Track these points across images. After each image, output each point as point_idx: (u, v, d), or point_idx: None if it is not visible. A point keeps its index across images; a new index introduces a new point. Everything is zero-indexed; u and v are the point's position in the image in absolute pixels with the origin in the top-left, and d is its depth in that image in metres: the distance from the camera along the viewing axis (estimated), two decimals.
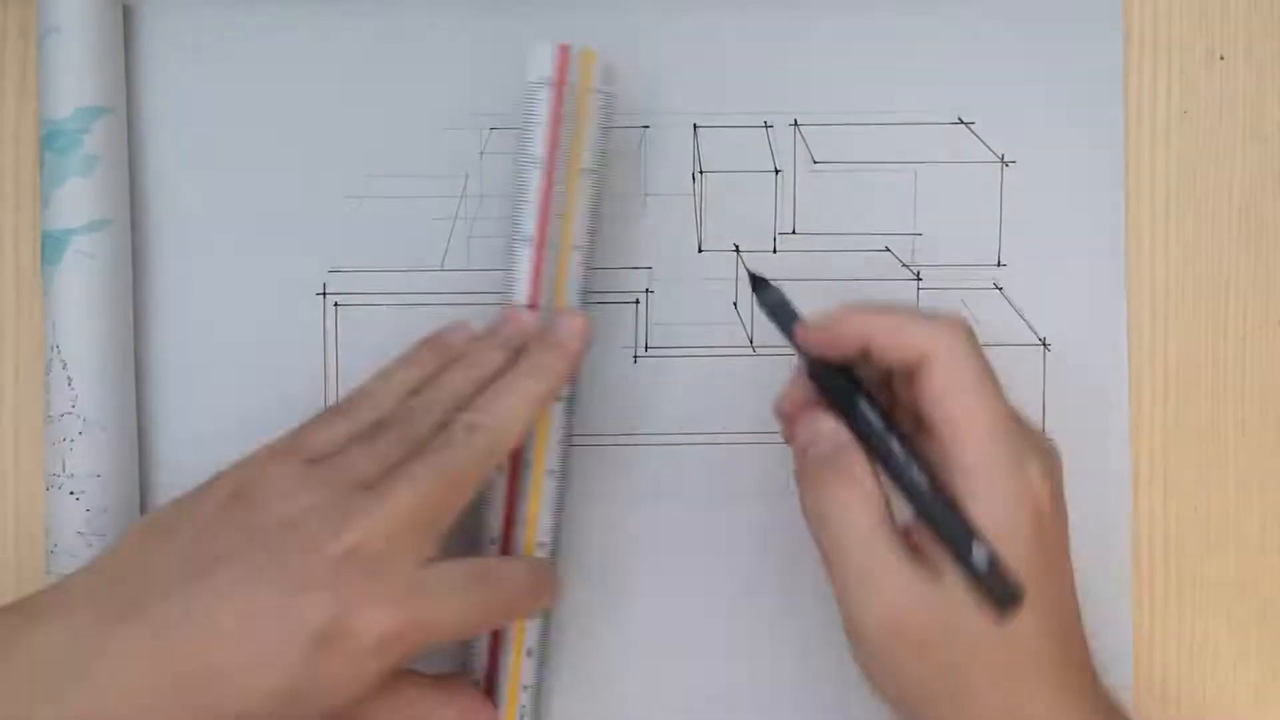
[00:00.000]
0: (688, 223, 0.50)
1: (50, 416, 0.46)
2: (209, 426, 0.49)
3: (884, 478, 0.40)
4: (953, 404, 0.38)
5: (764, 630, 0.50)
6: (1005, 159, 0.50)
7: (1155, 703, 0.50)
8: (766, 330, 0.49)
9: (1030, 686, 0.39)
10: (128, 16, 0.49)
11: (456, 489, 0.40)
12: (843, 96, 0.50)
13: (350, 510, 0.39)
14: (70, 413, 0.46)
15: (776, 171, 0.50)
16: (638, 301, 0.50)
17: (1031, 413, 0.49)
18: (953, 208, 0.50)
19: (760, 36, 0.50)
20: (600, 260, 0.50)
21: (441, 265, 0.50)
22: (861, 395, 0.41)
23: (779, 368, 0.49)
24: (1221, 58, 0.50)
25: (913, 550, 0.39)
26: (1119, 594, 0.50)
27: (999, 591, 0.37)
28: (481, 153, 0.50)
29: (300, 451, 0.42)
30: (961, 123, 0.50)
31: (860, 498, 0.39)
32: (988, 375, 0.39)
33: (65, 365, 0.46)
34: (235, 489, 0.41)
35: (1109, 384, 0.50)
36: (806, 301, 0.49)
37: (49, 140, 0.46)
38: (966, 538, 0.37)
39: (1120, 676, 0.50)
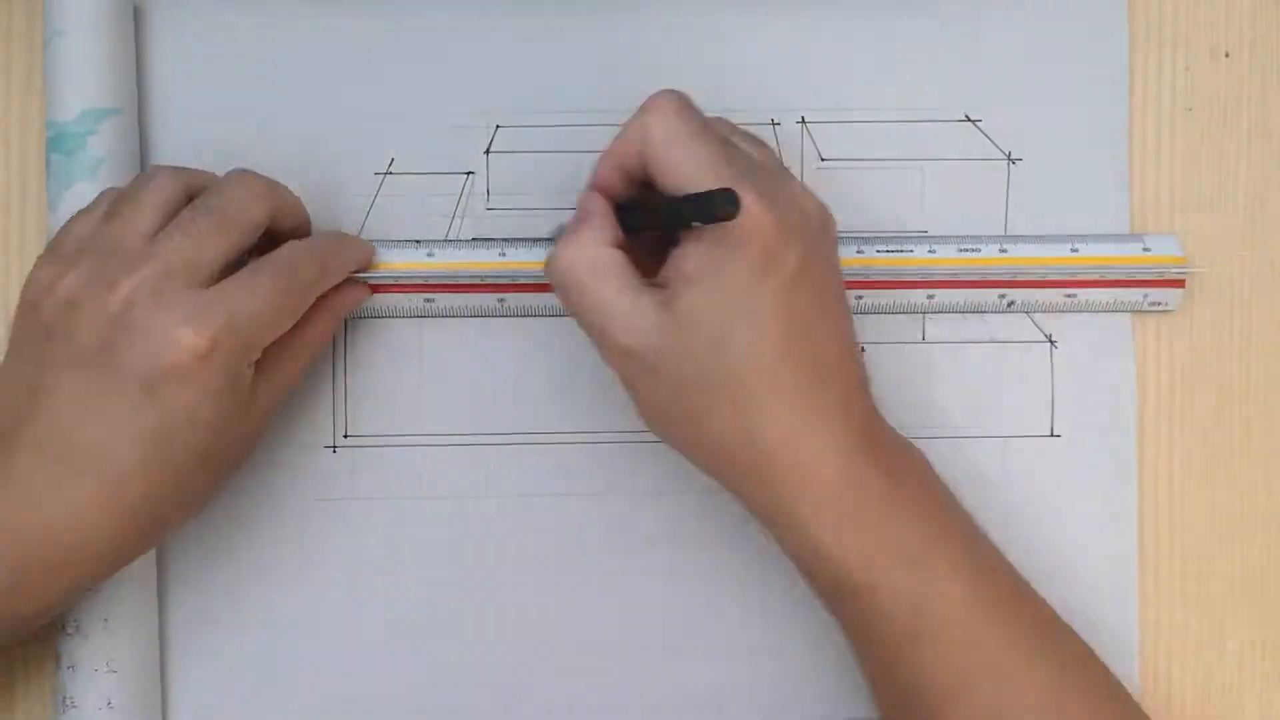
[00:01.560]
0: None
1: None
2: None
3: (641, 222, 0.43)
4: (667, 161, 0.41)
5: (769, 627, 0.50)
6: (1012, 156, 0.50)
7: (1161, 700, 0.50)
8: None
9: (767, 408, 0.41)
10: (138, 18, 0.49)
11: (220, 230, 0.43)
12: (850, 94, 0.50)
13: (113, 272, 0.41)
14: None
15: None
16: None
17: (1039, 409, 0.50)
18: (960, 205, 0.50)
19: (767, 34, 0.50)
20: None
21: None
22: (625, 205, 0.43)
23: None
24: (1226, 55, 0.50)
25: (649, 286, 0.41)
26: (1125, 590, 0.50)
27: (715, 203, 0.39)
28: (487, 150, 0.50)
29: (56, 250, 0.43)
30: (968, 120, 0.50)
31: (593, 246, 0.42)
32: (692, 125, 0.42)
33: None
34: (26, 312, 0.43)
35: (1115, 381, 0.50)
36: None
37: (56, 142, 0.47)
38: (675, 203, 0.41)
39: (1126, 673, 0.50)
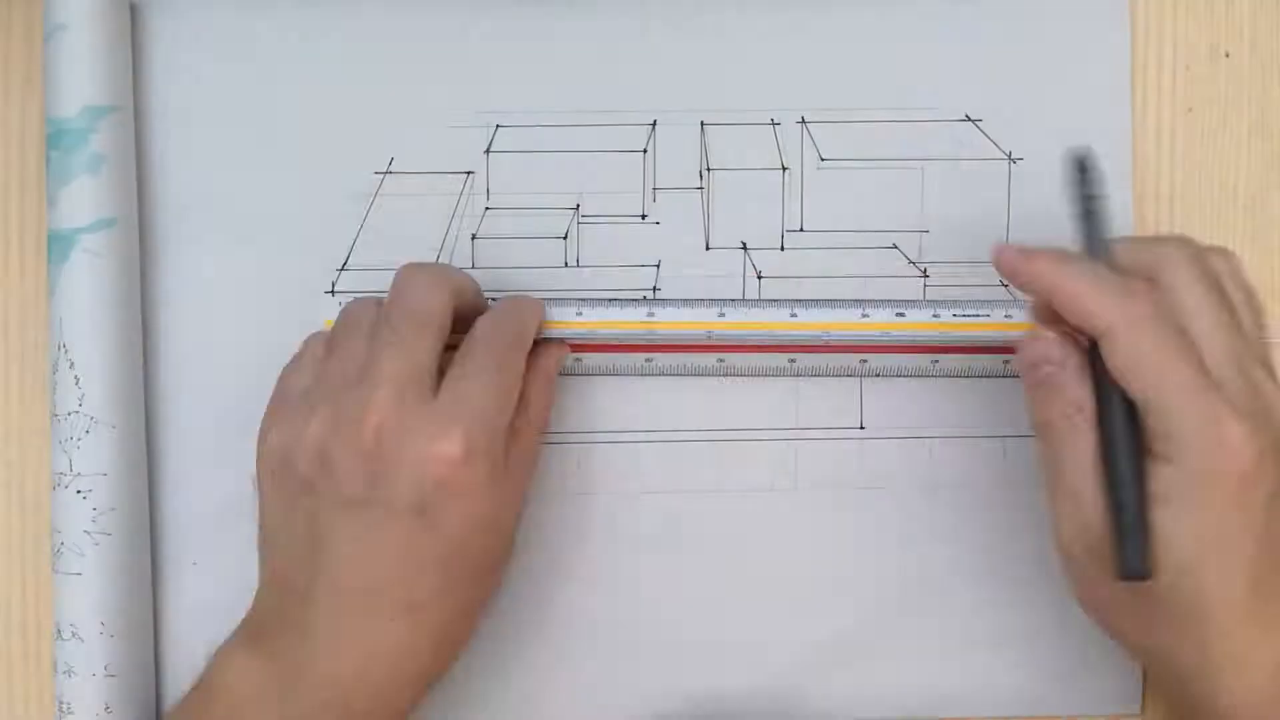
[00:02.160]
0: (695, 220, 0.50)
1: (57, 415, 0.46)
2: (217, 425, 0.49)
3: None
4: (1136, 380, 0.38)
5: (770, 627, 0.50)
6: (1013, 156, 0.50)
7: (1163, 707, 0.50)
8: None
9: (1232, 646, 0.38)
10: (135, 15, 0.49)
11: (421, 332, 0.43)
12: (850, 94, 0.50)
13: (352, 410, 0.41)
14: (77, 411, 0.46)
15: (784, 169, 0.50)
16: (645, 298, 0.50)
17: None
18: (960, 205, 0.50)
19: (768, 34, 0.50)
20: (608, 258, 0.50)
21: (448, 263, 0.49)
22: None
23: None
24: (1227, 54, 0.51)
25: None
26: None
27: (1129, 559, 0.38)
28: (487, 150, 0.50)
29: (282, 407, 0.44)
30: (969, 120, 0.50)
31: (1083, 423, 0.40)
32: (1172, 343, 0.38)
33: (72, 364, 0.46)
34: (278, 472, 0.43)
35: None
36: (813, 299, 0.49)
37: (56, 139, 0.46)
38: (1131, 502, 0.38)
39: (1130, 682, 0.50)
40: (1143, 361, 0.38)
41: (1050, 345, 0.41)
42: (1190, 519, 0.38)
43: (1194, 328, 0.39)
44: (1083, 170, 0.43)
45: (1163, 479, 0.38)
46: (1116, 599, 0.41)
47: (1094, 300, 0.39)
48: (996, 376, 0.49)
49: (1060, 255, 0.41)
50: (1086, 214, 0.42)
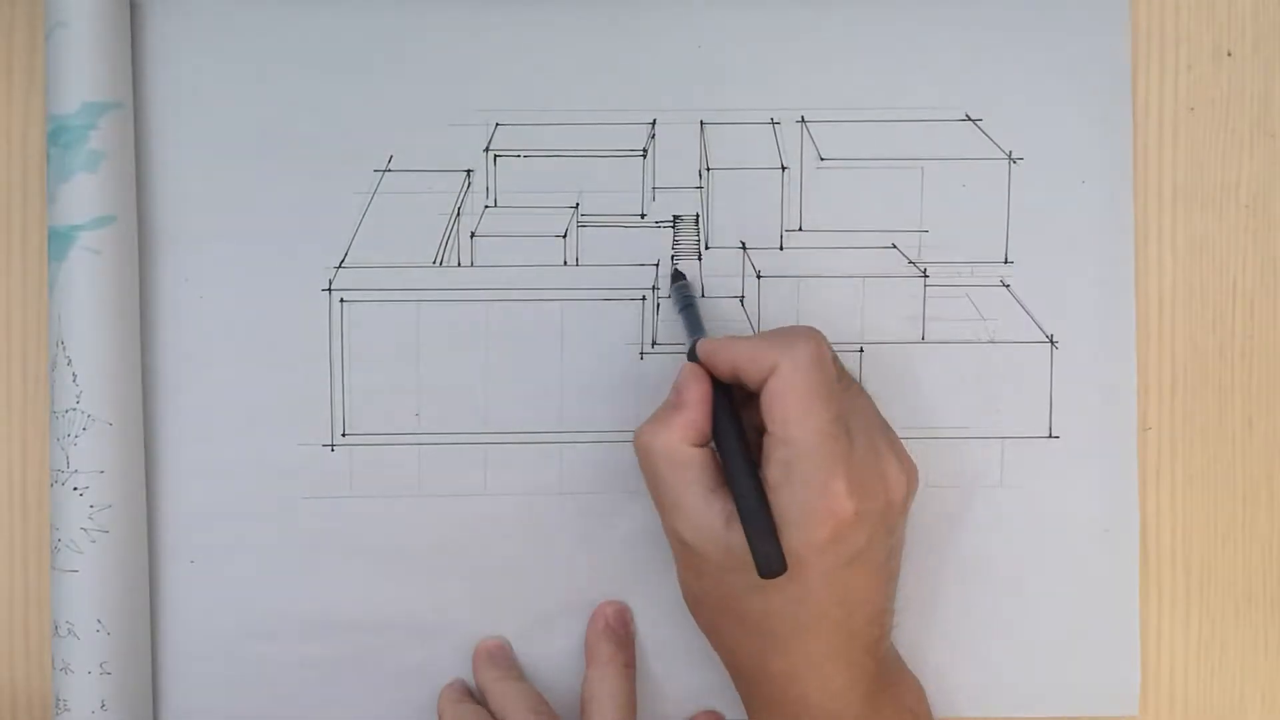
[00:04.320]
0: (694, 220, 0.50)
1: (55, 412, 0.46)
2: (214, 422, 0.49)
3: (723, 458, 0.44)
4: (777, 413, 0.42)
5: None
6: (1013, 156, 0.50)
7: (1163, 702, 0.50)
8: (773, 327, 0.49)
9: (792, 653, 0.44)
10: (134, 12, 0.49)
11: None
12: (850, 93, 0.50)
13: None
14: (75, 408, 0.46)
15: (783, 168, 0.50)
16: (644, 298, 0.50)
17: (1039, 409, 0.49)
18: (960, 205, 0.50)
19: (767, 34, 0.50)
20: (608, 257, 0.49)
21: (447, 262, 0.49)
22: (724, 402, 0.44)
23: None
24: (1229, 54, 0.50)
25: (723, 493, 0.43)
26: (1127, 592, 0.50)
27: (765, 557, 0.41)
28: (487, 149, 0.50)
29: None
30: (969, 119, 0.50)
31: (679, 442, 0.43)
32: (824, 387, 0.42)
33: (70, 361, 0.46)
34: None
35: (1117, 381, 0.50)
36: (813, 300, 0.49)
37: (55, 135, 0.46)
38: (759, 513, 0.42)
39: (1128, 675, 0.50)
40: (791, 396, 0.42)
41: (691, 373, 0.45)
42: (795, 539, 0.42)
43: (839, 386, 0.44)
44: (677, 278, 0.49)
45: (779, 498, 0.42)
46: (700, 591, 0.45)
47: (767, 345, 0.43)
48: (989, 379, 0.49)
49: (731, 337, 0.45)
50: (686, 310, 0.48)
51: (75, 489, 0.46)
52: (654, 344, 0.50)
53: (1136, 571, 0.50)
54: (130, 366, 0.48)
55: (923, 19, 0.50)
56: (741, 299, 0.50)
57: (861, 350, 0.50)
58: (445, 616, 0.50)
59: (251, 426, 0.49)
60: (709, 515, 0.43)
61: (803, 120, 0.50)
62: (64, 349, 0.46)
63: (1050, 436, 0.50)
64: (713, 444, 0.44)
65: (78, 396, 0.46)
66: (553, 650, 0.50)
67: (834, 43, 0.50)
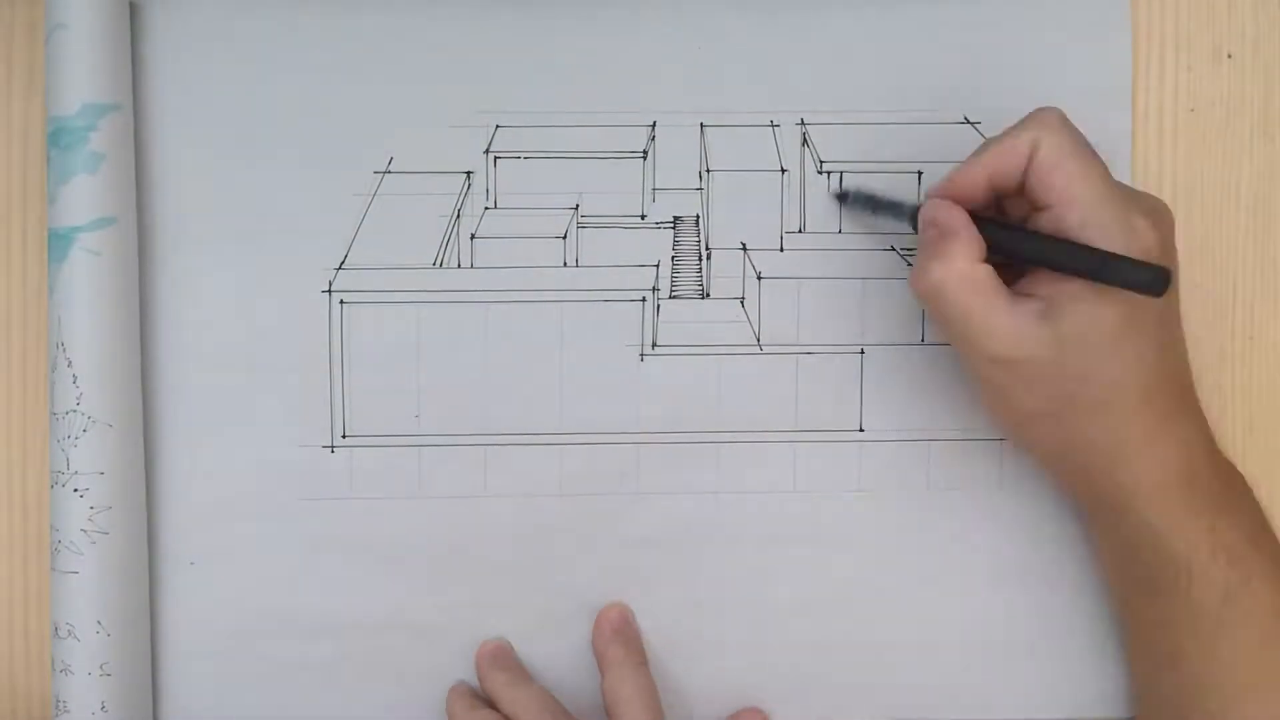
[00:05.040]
0: (695, 221, 0.50)
1: (55, 414, 0.46)
2: (214, 424, 0.49)
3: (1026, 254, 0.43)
4: (1059, 176, 0.42)
5: (769, 628, 0.50)
6: None
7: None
8: (773, 329, 0.49)
9: (1139, 417, 0.43)
10: (134, 14, 0.49)
11: None
12: (849, 96, 0.50)
13: None
14: (75, 410, 0.46)
15: (783, 171, 0.50)
16: (644, 299, 0.50)
17: None
18: None
19: (768, 36, 0.50)
20: (608, 258, 0.49)
21: (447, 263, 0.49)
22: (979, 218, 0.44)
23: (785, 366, 0.49)
24: (1229, 56, 0.50)
25: (1022, 299, 0.43)
26: None
27: (1143, 277, 0.41)
28: (487, 150, 0.50)
29: None
30: (968, 122, 0.50)
31: (967, 264, 0.43)
32: (1085, 147, 0.43)
33: (70, 363, 0.46)
34: None
35: None
36: (813, 301, 0.49)
37: (55, 137, 0.46)
38: (1097, 257, 0.42)
39: (1121, 687, 0.50)
40: (1068, 158, 0.42)
41: (939, 205, 0.44)
42: (1103, 316, 0.42)
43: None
44: (844, 198, 0.49)
45: (1074, 280, 0.42)
46: (1032, 405, 0.44)
47: (1016, 133, 0.43)
48: None
49: (961, 162, 0.45)
50: (878, 207, 0.48)
51: (75, 490, 0.46)
52: (654, 345, 0.50)
53: None
54: (130, 368, 0.48)
55: (922, 21, 0.50)
56: (742, 300, 0.50)
57: (862, 352, 0.50)
58: (445, 617, 0.50)
59: (251, 428, 0.49)
60: (1024, 319, 0.42)
61: (802, 123, 0.50)
62: (64, 351, 0.46)
63: None
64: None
65: (78, 398, 0.46)
66: (554, 651, 0.50)
67: (833, 45, 0.50)
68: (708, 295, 0.50)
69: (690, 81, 0.50)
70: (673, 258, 0.50)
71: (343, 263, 0.49)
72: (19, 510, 0.49)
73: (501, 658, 0.49)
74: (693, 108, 0.50)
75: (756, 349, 0.50)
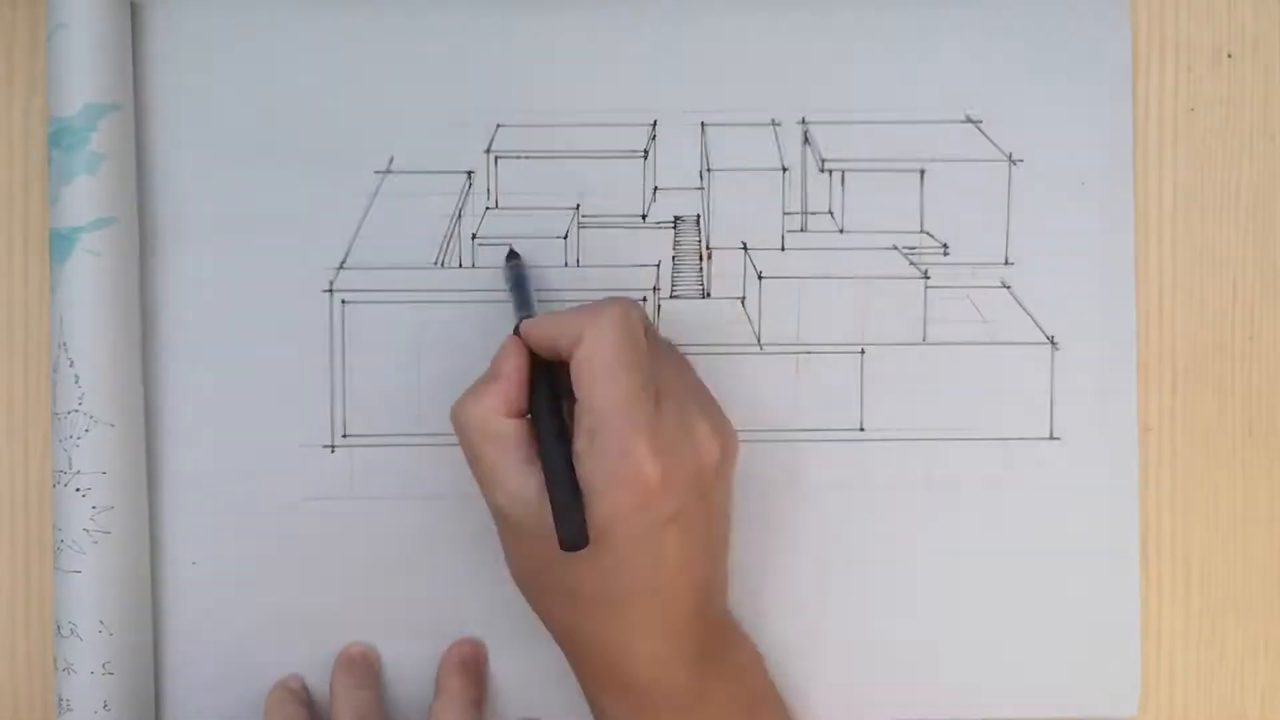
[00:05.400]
0: (695, 221, 0.50)
1: (57, 414, 0.46)
2: (216, 423, 0.49)
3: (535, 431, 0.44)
4: (584, 377, 0.42)
5: (768, 627, 0.50)
6: (1013, 158, 0.50)
7: (1163, 702, 0.50)
8: (773, 329, 0.49)
9: (611, 620, 0.44)
10: (135, 14, 0.49)
11: None
12: (850, 95, 0.50)
13: None
14: (77, 410, 0.46)
15: (784, 170, 0.50)
16: (644, 300, 0.50)
17: (1039, 410, 0.49)
18: (961, 206, 0.50)
19: (768, 34, 0.50)
20: (609, 258, 0.49)
21: (448, 263, 0.49)
22: (544, 376, 0.44)
23: (786, 366, 0.50)
24: (1230, 55, 0.50)
25: (538, 466, 0.43)
26: (1127, 592, 0.50)
27: (566, 529, 0.41)
28: (487, 150, 0.50)
29: None
30: (969, 121, 0.50)
31: (494, 415, 0.43)
32: (627, 353, 0.42)
33: (72, 363, 0.46)
34: None
35: (1117, 382, 0.50)
36: (814, 301, 0.49)
37: (57, 137, 0.46)
38: (554, 482, 0.42)
39: (1128, 675, 0.50)
40: (595, 363, 0.42)
41: (508, 350, 0.45)
42: (593, 513, 0.42)
43: (651, 353, 0.43)
44: (511, 256, 0.49)
45: (580, 469, 0.42)
46: (520, 564, 0.45)
47: (574, 317, 0.43)
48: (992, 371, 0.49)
49: (550, 313, 0.45)
50: (516, 287, 0.47)
51: (77, 490, 0.46)
52: None
53: (1136, 571, 0.50)
54: (132, 368, 0.48)
55: (923, 21, 0.50)
56: (743, 300, 0.50)
57: (863, 352, 0.50)
58: (446, 617, 0.50)
59: (252, 428, 0.49)
60: (523, 486, 0.43)
61: (804, 122, 0.50)
62: (66, 351, 0.46)
63: (1051, 437, 0.50)
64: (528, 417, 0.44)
65: (80, 398, 0.46)
66: (553, 650, 0.49)
67: (835, 44, 0.50)
68: (708, 295, 0.50)
69: (690, 81, 0.50)
70: (673, 258, 0.50)
71: (343, 262, 0.49)
72: (21, 510, 0.50)
73: (356, 663, 0.49)
74: (693, 107, 0.50)
75: (757, 348, 0.50)
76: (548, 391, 0.44)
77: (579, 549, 0.41)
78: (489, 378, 0.44)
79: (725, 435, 0.44)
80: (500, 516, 0.44)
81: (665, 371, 0.44)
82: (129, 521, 0.47)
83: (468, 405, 0.44)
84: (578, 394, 0.42)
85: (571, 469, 0.42)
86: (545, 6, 0.50)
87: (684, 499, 0.42)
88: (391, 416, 0.49)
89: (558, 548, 0.42)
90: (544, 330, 0.44)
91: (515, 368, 0.44)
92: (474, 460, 0.44)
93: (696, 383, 0.46)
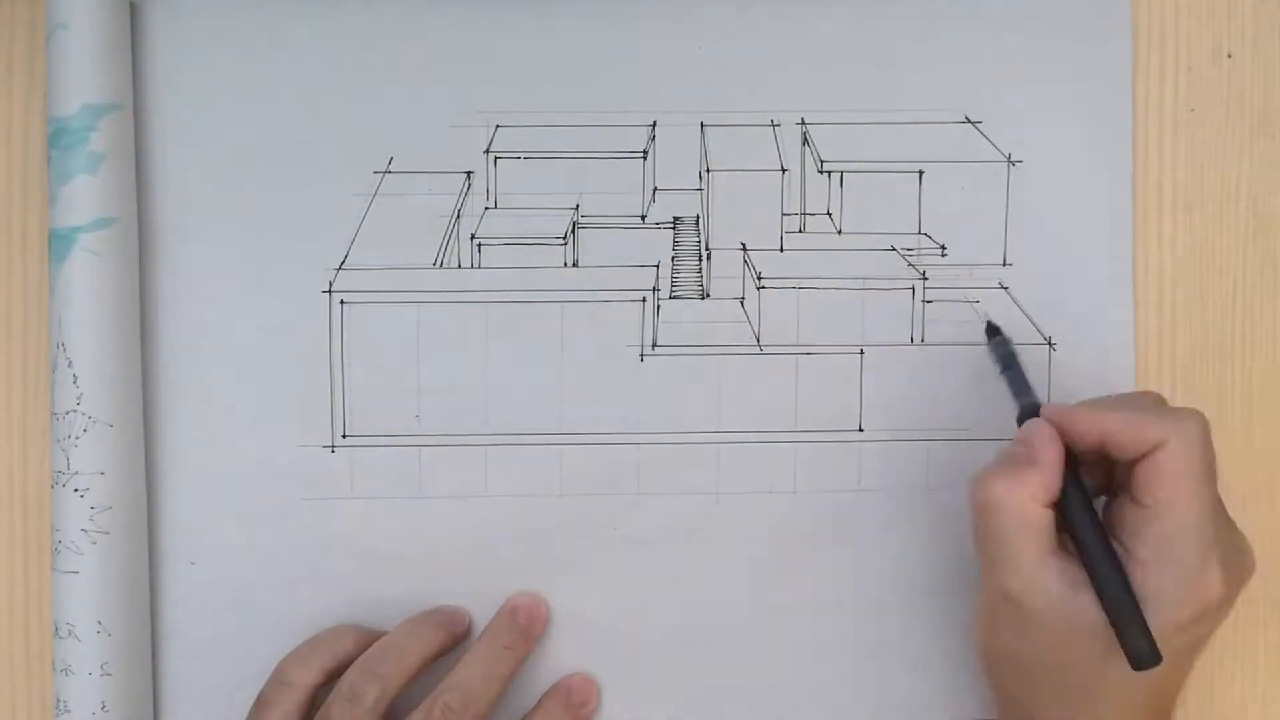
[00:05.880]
0: (695, 221, 0.50)
1: (55, 414, 0.46)
2: (215, 424, 0.49)
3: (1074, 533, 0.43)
4: (1166, 488, 0.42)
5: (768, 627, 0.50)
6: (1012, 158, 0.50)
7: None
8: (773, 329, 0.49)
9: (1113, 708, 0.43)
10: (134, 14, 0.49)
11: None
12: (849, 96, 0.50)
13: None
14: (75, 410, 0.46)
15: (784, 171, 0.50)
16: (644, 300, 0.50)
17: None
18: (959, 207, 0.50)
19: (767, 35, 0.50)
20: (608, 258, 0.49)
21: (447, 263, 0.49)
22: (1071, 466, 0.43)
23: (785, 366, 0.50)
24: (1229, 55, 0.50)
25: (1062, 554, 0.43)
26: None
27: (1138, 647, 0.40)
28: (487, 150, 0.50)
29: None
30: (968, 122, 0.50)
31: (1028, 500, 0.42)
32: (1208, 469, 0.42)
33: (71, 363, 0.46)
34: None
35: (1116, 383, 0.50)
36: (813, 302, 0.49)
37: (56, 137, 0.46)
38: (1115, 601, 0.41)
39: None
40: (1185, 475, 0.41)
41: (1040, 427, 0.43)
42: (1161, 619, 0.41)
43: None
44: (993, 333, 0.47)
45: (1149, 576, 0.41)
46: (1015, 649, 0.44)
47: (1155, 420, 0.42)
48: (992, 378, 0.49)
49: (1099, 402, 0.44)
50: (1009, 369, 0.47)
51: (76, 490, 0.46)
52: (654, 345, 0.50)
53: None
54: (131, 368, 0.48)
55: (922, 21, 0.50)
56: (742, 301, 0.50)
57: (861, 353, 0.50)
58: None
59: (252, 428, 0.49)
60: (1050, 576, 0.42)
61: (803, 123, 0.50)
62: (64, 351, 0.46)
63: None
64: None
65: (78, 398, 0.46)
66: (552, 651, 0.49)
67: (834, 45, 0.50)
68: (708, 295, 0.50)
69: (690, 81, 0.50)
70: (673, 258, 0.50)
71: (343, 263, 0.49)
72: (19, 510, 0.49)
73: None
74: (693, 107, 0.50)
75: (756, 349, 0.50)
76: (1083, 490, 0.43)
77: (1153, 667, 0.40)
78: (1024, 462, 0.43)
79: (1252, 555, 0.44)
80: (1008, 601, 0.43)
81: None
82: (127, 522, 0.47)
83: (1005, 488, 0.43)
84: (1150, 500, 0.42)
85: (1125, 577, 0.41)
86: (545, 6, 0.50)
87: (1220, 620, 0.43)
88: (391, 416, 0.49)
89: (1079, 642, 0.41)
90: (1101, 425, 0.43)
91: (1054, 457, 0.43)
92: (995, 543, 0.43)
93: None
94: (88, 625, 0.46)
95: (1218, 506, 0.42)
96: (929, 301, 0.50)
